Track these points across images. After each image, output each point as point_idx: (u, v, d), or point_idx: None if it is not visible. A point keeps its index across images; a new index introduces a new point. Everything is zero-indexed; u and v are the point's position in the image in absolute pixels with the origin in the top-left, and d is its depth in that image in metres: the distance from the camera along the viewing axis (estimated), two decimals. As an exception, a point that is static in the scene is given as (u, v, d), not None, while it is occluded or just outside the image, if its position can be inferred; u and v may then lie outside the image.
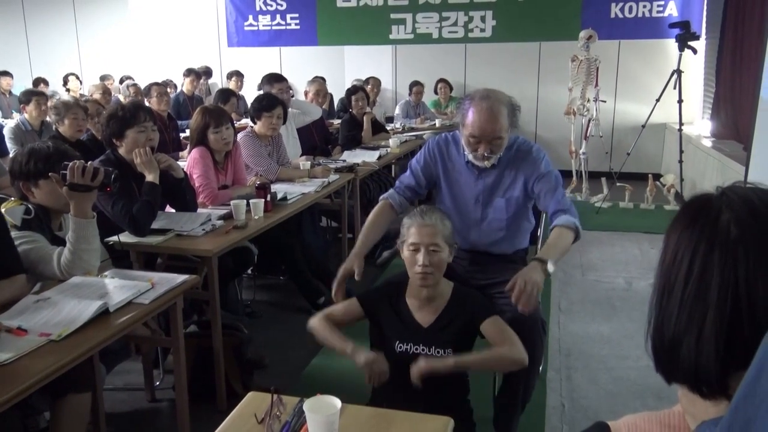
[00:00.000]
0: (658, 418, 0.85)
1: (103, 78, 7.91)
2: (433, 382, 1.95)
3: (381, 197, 2.57)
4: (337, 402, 1.32)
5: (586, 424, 2.72)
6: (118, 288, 2.10)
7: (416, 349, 2.00)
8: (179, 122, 5.96)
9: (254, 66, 8.58)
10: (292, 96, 5.11)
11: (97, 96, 5.12)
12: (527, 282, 2.01)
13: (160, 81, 6.25)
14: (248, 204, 3.10)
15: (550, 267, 2.10)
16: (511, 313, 2.11)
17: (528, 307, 2.00)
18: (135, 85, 6.54)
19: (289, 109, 4.57)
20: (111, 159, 2.88)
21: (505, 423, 2.30)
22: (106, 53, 9.29)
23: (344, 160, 4.68)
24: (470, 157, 2.38)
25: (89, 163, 2.20)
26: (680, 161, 5.63)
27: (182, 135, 5.62)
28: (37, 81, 8.08)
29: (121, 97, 6.40)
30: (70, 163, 2.14)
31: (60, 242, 2.31)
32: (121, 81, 7.40)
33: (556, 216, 2.31)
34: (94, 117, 3.98)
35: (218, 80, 8.95)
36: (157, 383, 2.98)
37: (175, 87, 7.61)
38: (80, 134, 3.85)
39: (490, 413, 2.34)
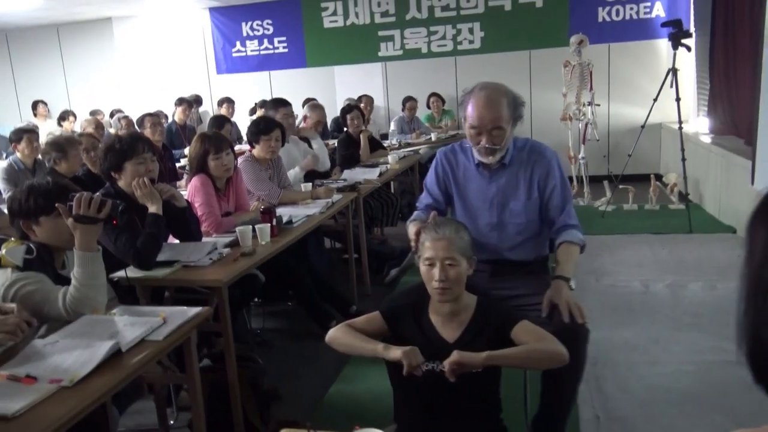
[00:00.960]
0: None
1: (93, 113, 7.82)
2: (463, 400, 1.84)
3: (408, 221, 2.44)
4: (383, 435, 1.21)
5: (624, 436, 2.58)
6: (128, 325, 1.99)
7: (443, 367, 1.89)
8: (173, 152, 5.87)
9: (244, 91, 8.54)
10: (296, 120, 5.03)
11: (90, 130, 5.04)
12: (567, 300, 2.06)
13: (151, 112, 6.18)
14: (254, 230, 3.01)
15: (572, 284, 2.16)
16: (547, 326, 2.02)
17: (583, 318, 2.05)
18: (126, 117, 6.46)
19: (303, 145, 4.52)
20: (111, 192, 2.78)
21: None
22: (95, 88, 9.22)
23: (345, 180, 4.60)
24: (476, 154, 2.34)
25: (96, 194, 2.11)
26: (683, 159, 5.57)
27: (178, 164, 5.53)
28: (35, 104, 7.98)
29: (113, 131, 6.31)
30: (77, 195, 2.05)
31: (64, 281, 2.21)
32: (112, 115, 7.31)
33: (566, 230, 2.32)
34: (90, 151, 3.89)
35: (209, 108, 8.89)
36: (171, 422, 2.85)
37: (166, 117, 7.54)
38: (78, 170, 3.75)
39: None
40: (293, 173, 4.41)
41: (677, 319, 3.55)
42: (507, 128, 2.26)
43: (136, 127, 5.74)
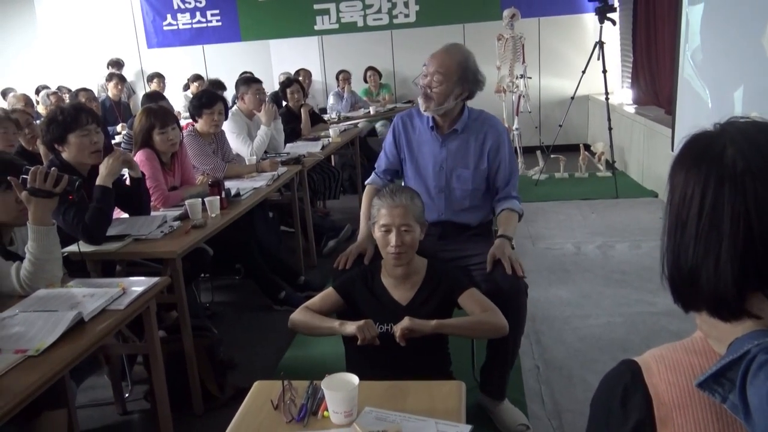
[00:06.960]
0: (682, 346, 0.88)
1: (6, 91, 7.37)
2: (415, 358, 1.96)
3: (366, 182, 2.64)
4: (355, 378, 1.32)
5: (562, 382, 2.82)
6: (88, 296, 2.01)
7: (395, 331, 1.99)
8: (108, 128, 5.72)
9: (177, 66, 8.33)
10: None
11: (19, 107, 4.84)
12: (509, 256, 2.20)
13: (71, 89, 5.96)
14: (203, 203, 3.04)
15: (513, 244, 2.33)
16: (489, 283, 2.18)
17: (523, 273, 2.19)
18: (55, 93, 6.20)
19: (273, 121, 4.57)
20: (56, 165, 2.74)
21: (497, 385, 2.38)
22: (17, 65, 8.75)
23: (287, 153, 4.64)
24: (422, 108, 2.45)
25: (52, 168, 2.10)
26: (610, 129, 5.88)
27: (113, 141, 5.40)
28: None
29: (41, 108, 6.06)
30: (32, 168, 2.04)
31: (13, 257, 2.19)
32: (38, 91, 6.98)
33: (507, 200, 2.48)
34: (23, 128, 3.76)
35: (140, 83, 8.62)
36: (127, 395, 2.87)
37: (69, 91, 7.19)
38: (11, 149, 3.63)
39: (472, 383, 2.40)
40: (262, 130, 4.48)
41: (606, 276, 3.83)
42: (447, 80, 2.36)
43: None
